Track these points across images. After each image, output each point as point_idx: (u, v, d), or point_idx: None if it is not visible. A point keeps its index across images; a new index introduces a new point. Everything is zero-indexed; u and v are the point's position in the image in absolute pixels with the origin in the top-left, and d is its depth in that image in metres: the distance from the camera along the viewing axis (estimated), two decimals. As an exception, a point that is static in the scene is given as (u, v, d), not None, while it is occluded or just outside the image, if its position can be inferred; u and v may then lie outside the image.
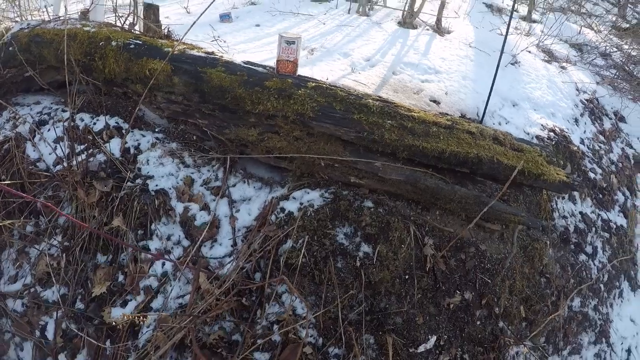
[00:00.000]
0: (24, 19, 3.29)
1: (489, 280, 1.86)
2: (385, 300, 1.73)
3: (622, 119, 3.15)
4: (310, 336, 1.64)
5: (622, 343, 2.40)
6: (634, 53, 4.35)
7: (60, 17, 2.57)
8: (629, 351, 2.42)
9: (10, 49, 2.35)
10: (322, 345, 1.66)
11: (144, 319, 1.67)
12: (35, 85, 2.41)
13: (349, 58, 2.55)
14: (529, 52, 3.26)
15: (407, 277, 1.76)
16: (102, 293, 1.76)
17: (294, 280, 1.67)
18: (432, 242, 1.78)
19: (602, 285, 2.34)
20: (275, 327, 1.65)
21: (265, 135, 1.84)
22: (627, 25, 5.26)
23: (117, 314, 1.75)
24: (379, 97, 1.92)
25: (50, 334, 1.86)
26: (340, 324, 1.66)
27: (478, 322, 1.86)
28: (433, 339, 1.76)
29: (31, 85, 2.43)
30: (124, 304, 1.76)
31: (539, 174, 1.74)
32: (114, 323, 1.70)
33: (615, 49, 4.18)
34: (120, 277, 1.79)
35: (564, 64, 3.31)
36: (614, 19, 5.57)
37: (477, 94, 2.37)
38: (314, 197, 1.76)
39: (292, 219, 1.71)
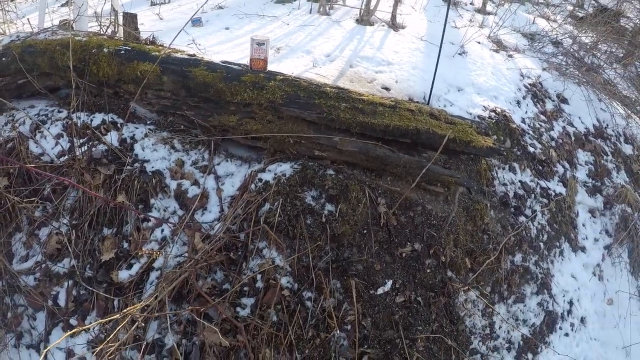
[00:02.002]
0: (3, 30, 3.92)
1: (435, 234, 2.57)
2: (348, 251, 2.42)
3: (564, 101, 3.98)
4: (287, 282, 2.31)
5: (564, 296, 3.14)
6: (586, 40, 5.29)
7: (48, 29, 3.20)
8: (571, 303, 3.17)
9: (4, 59, 2.96)
10: (297, 289, 2.33)
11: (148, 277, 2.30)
12: (27, 91, 3.03)
13: (311, 55, 3.29)
14: (478, 42, 4.08)
15: (365, 231, 2.46)
16: (110, 259, 2.38)
17: (272, 237, 2.33)
18: (384, 202, 2.49)
19: (542, 244, 3.09)
20: (259, 275, 2.32)
21: (243, 120, 2.53)
22: (583, 15, 6.25)
23: (124, 275, 2.37)
24: (336, 86, 2.65)
25: (62, 301, 2.46)
26: (311, 271, 2.33)
27: (428, 270, 2.56)
28: (389, 283, 2.45)
29: (23, 92, 3.04)
30: (129, 267, 2.38)
31: (468, 141, 2.49)
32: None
33: (567, 37, 5.09)
34: (125, 245, 2.41)
35: (512, 53, 4.15)
36: (571, 8, 6.57)
37: (425, 81, 3.12)
38: (285, 168, 2.46)
39: (268, 186, 2.39)
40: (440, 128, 2.48)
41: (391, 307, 2.41)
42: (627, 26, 6.38)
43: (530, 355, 2.87)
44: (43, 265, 2.52)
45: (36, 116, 2.89)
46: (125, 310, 2.01)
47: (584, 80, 4.36)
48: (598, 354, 3.21)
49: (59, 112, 2.89)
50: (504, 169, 3.11)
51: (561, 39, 5.08)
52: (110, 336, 2.10)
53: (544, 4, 6.42)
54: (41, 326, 2.49)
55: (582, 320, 3.19)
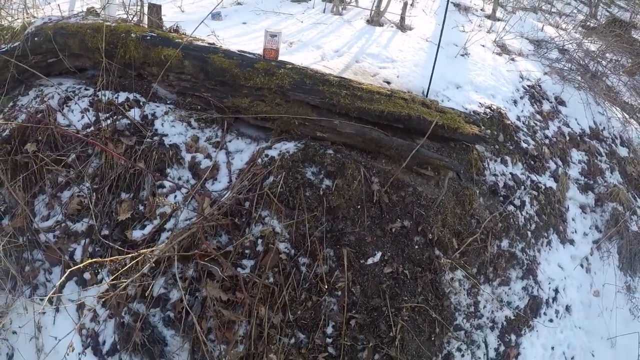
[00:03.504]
0: (31, 14, 4.36)
1: (424, 213, 2.85)
2: (342, 223, 2.71)
3: (562, 103, 4.22)
4: (285, 247, 2.61)
5: (549, 283, 3.37)
6: (592, 48, 5.52)
7: (78, 13, 3.60)
8: (556, 291, 3.39)
9: (36, 39, 3.34)
10: (294, 254, 2.63)
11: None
12: (55, 70, 3.41)
13: (321, 50, 3.61)
14: (482, 45, 4.36)
15: (359, 206, 2.75)
16: (125, 219, 2.72)
17: (273, 206, 2.64)
18: (377, 181, 2.78)
19: (529, 232, 3.33)
20: (259, 240, 2.62)
21: (254, 103, 2.86)
22: (595, 25, 6.48)
23: (137, 234, 2.70)
24: (339, 76, 2.96)
25: (78, 257, 2.79)
26: (307, 239, 2.63)
27: (416, 247, 2.84)
28: (379, 255, 2.73)
29: (52, 70, 3.41)
30: (143, 227, 2.72)
31: (455, 127, 2.77)
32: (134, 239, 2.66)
33: (573, 44, 5.33)
34: (141, 208, 2.74)
35: (514, 56, 4.42)
36: (584, 18, 6.81)
37: (424, 78, 3.42)
38: (289, 146, 2.77)
39: (273, 161, 2.71)
40: (430, 115, 2.77)
41: (379, 276, 2.69)
42: (638, 37, 6.59)
43: (513, 337, 3.11)
44: (63, 224, 2.86)
45: (64, 92, 3.26)
46: (138, 252, 2.33)
47: (585, 85, 4.60)
48: (582, 342, 3.42)
49: (86, 89, 3.27)
50: (495, 160, 3.37)
51: (568, 47, 5.33)
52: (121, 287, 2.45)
53: (557, 13, 6.67)
54: (56, 279, 2.82)
55: (567, 308, 3.41)
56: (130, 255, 2.31)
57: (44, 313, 2.81)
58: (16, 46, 3.41)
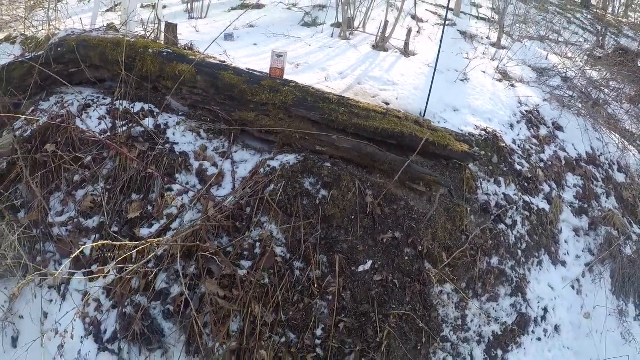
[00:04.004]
0: (54, 26, 4.79)
1: (415, 226, 3.08)
2: (336, 232, 2.96)
3: (559, 128, 4.45)
4: (281, 251, 2.86)
5: (539, 302, 3.54)
6: (595, 76, 5.79)
7: (100, 28, 3.98)
8: (545, 310, 3.56)
9: (59, 49, 3.71)
10: (289, 258, 2.87)
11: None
12: (75, 79, 3.76)
13: (326, 72, 3.93)
14: (483, 72, 4.65)
15: (352, 217, 3.00)
16: (135, 217, 3.00)
17: (272, 213, 2.91)
18: (371, 193, 3.03)
19: (519, 251, 3.53)
20: (257, 243, 2.88)
21: (260, 117, 3.17)
22: (601, 55, 6.76)
23: (145, 232, 2.97)
24: (339, 94, 3.26)
25: (87, 251, 3.07)
26: (302, 244, 2.88)
27: (406, 258, 3.06)
28: (370, 263, 2.96)
29: (72, 79, 3.75)
30: (150, 226, 2.99)
31: (446, 145, 3.03)
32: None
33: (576, 71, 5.60)
34: (149, 208, 3.03)
35: (514, 83, 4.70)
36: (590, 47, 7.09)
37: (423, 100, 3.70)
38: (290, 158, 3.05)
39: (274, 171, 2.99)
40: (422, 132, 3.04)
41: (369, 284, 2.92)
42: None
43: (500, 352, 3.27)
44: (75, 220, 3.14)
45: (83, 100, 3.60)
46: (146, 241, 2.60)
47: (584, 112, 4.84)
48: (571, 363, 3.57)
49: (104, 99, 3.60)
50: (489, 181, 3.61)
51: (570, 74, 5.60)
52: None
53: (563, 43, 6.97)
54: (65, 270, 3.09)
55: (557, 328, 3.56)
56: (137, 243, 2.58)
57: (50, 301, 3.08)
58: (40, 55, 3.78)
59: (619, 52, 6.99)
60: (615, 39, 7.72)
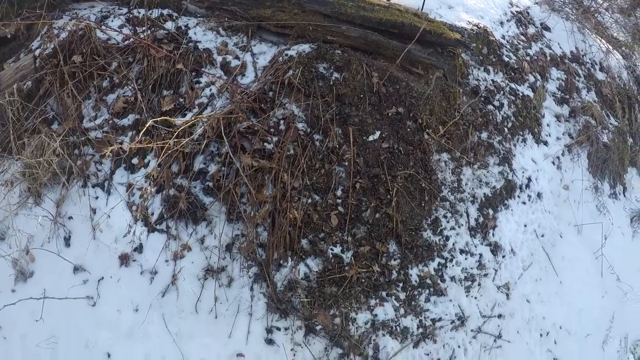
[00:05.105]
0: None
1: (415, 102, 3.81)
2: (348, 108, 3.67)
3: (547, 28, 5.13)
4: (302, 126, 3.57)
5: (523, 173, 4.35)
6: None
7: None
8: (529, 179, 4.37)
9: None
10: (309, 132, 3.58)
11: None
12: None
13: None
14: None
15: (361, 95, 3.70)
16: (168, 110, 3.66)
17: (293, 94, 3.60)
18: (377, 75, 3.73)
19: (506, 129, 4.31)
20: (281, 121, 3.59)
21: (275, 13, 3.79)
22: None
23: (179, 122, 3.64)
24: (345, -10, 3.90)
25: (125, 146, 3.72)
26: (321, 119, 3.59)
27: (408, 130, 3.81)
28: (378, 133, 3.70)
29: None
30: (184, 115, 3.65)
31: (440, 33, 3.72)
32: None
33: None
34: (181, 100, 3.69)
35: (506, -15, 5.33)
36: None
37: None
38: (305, 47, 3.71)
39: (292, 58, 3.65)
40: (420, 22, 3.71)
41: (378, 150, 3.67)
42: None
43: (491, 211, 4.09)
44: (110, 121, 3.72)
45: (99, 12, 4.13)
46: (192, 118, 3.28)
47: (573, 17, 5.51)
48: (551, 224, 4.43)
49: (119, 9, 4.11)
50: (479, 69, 4.33)
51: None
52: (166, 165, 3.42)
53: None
54: (106, 168, 3.66)
55: (539, 195, 4.40)
56: (184, 120, 3.27)
57: (97, 198, 3.68)
58: None
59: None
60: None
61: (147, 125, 3.07)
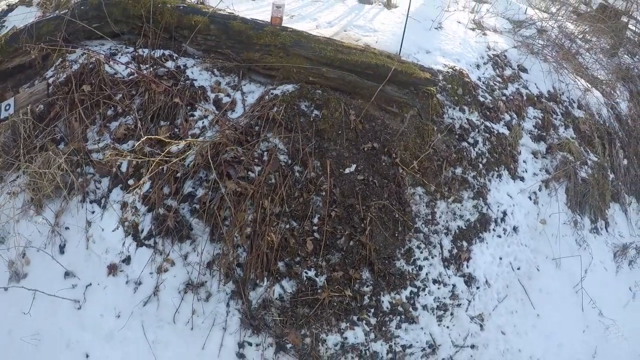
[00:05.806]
0: None
1: (390, 138, 4.30)
2: (326, 143, 4.18)
3: (524, 70, 5.63)
4: (284, 158, 4.07)
5: (498, 207, 4.74)
6: (570, 26, 6.97)
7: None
8: (504, 213, 4.76)
9: (82, 7, 4.78)
10: (290, 163, 4.08)
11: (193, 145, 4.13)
12: (96, 34, 4.89)
13: (316, 21, 5.13)
14: (459, 22, 5.84)
15: (339, 131, 4.21)
16: (165, 138, 4.21)
17: (276, 128, 4.13)
18: (353, 113, 4.24)
19: (480, 164, 4.74)
20: (265, 153, 4.10)
21: (263, 56, 4.37)
22: (582, 12, 7.93)
23: (174, 149, 4.19)
24: (327, 37, 4.49)
25: (124, 168, 4.26)
26: (301, 152, 4.10)
27: (383, 164, 4.28)
28: (354, 166, 4.18)
29: (93, 35, 4.81)
30: (179, 144, 4.21)
31: (411, 73, 4.25)
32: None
33: (553, 25, 6.78)
34: (176, 131, 4.25)
35: (487, 32, 5.88)
36: (576, 4, 8.26)
37: (399, 44, 4.90)
38: (289, 87, 4.26)
39: (277, 97, 4.20)
40: (392, 64, 4.26)
41: (354, 182, 4.13)
42: (624, 20, 7.99)
43: (465, 243, 4.48)
44: (111, 145, 4.30)
45: (108, 50, 4.79)
46: (184, 140, 3.83)
47: (552, 59, 6.01)
48: (528, 257, 4.78)
49: (126, 48, 4.74)
50: (454, 108, 4.81)
51: (546, 27, 6.78)
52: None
53: (549, -1, 8.14)
54: (104, 187, 4.20)
55: (515, 229, 4.77)
56: (177, 141, 3.82)
57: (93, 212, 4.18)
58: (65, 13, 4.85)
59: (603, 9, 8.14)
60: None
61: (142, 139, 3.66)
